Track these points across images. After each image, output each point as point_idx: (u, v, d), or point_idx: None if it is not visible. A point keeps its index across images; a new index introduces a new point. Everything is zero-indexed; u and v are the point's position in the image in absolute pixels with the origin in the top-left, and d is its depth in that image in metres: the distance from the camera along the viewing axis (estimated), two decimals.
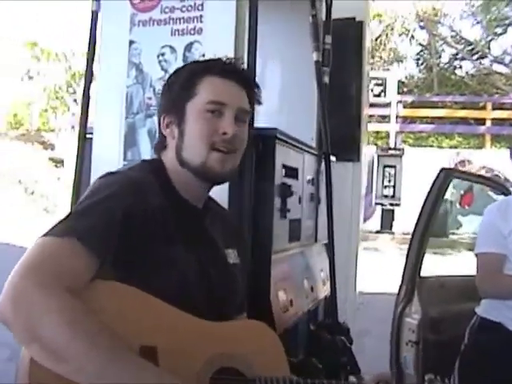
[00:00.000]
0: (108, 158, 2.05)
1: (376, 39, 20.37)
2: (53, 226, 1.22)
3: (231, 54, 1.95)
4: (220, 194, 1.76)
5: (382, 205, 15.01)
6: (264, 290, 2.01)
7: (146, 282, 1.25)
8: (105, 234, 1.22)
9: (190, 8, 1.95)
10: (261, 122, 2.01)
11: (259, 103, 1.53)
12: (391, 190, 15.00)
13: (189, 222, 1.43)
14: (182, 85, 1.44)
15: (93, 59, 2.15)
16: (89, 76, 2.12)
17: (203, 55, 1.95)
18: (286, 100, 3.11)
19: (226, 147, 1.41)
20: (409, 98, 18.72)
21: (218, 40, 1.95)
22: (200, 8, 1.93)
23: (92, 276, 1.20)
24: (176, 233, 1.37)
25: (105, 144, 2.07)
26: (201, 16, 1.95)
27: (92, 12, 2.15)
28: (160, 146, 1.49)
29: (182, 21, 1.96)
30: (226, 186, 1.91)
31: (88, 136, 2.14)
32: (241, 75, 1.49)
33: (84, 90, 2.09)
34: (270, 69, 3.16)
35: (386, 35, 21.45)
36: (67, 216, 1.26)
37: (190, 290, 1.35)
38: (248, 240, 1.86)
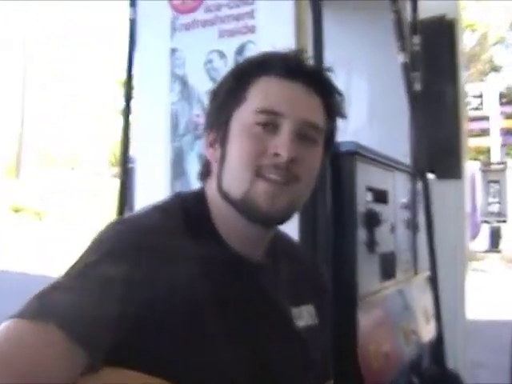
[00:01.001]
0: (153, 191, 1.72)
1: (470, 50, 19.57)
2: (27, 302, 0.87)
3: None
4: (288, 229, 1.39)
5: (488, 222, 14.28)
6: (349, 347, 1.60)
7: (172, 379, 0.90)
8: (97, 318, 0.86)
9: (238, 3, 1.60)
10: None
11: (342, 116, 1.11)
12: (496, 206, 14.37)
13: (238, 286, 1.04)
14: (228, 89, 1.06)
15: (131, 75, 1.82)
16: (128, 95, 1.80)
17: None
18: (371, 112, 2.78)
19: (279, 174, 1.00)
20: (510, 109, 17.73)
21: (275, 38, 1.58)
22: (250, 1, 1.58)
23: (78, 373, 0.84)
24: (216, 309, 0.98)
25: (149, 174, 1.74)
26: (252, 11, 1.60)
27: (130, 21, 1.85)
28: (204, 172, 1.12)
29: (230, 19, 1.62)
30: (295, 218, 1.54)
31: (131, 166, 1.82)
32: (312, 75, 1.07)
33: (124, 113, 1.77)
34: (350, 76, 2.83)
35: (480, 45, 20.56)
36: (46, 290, 0.89)
37: None
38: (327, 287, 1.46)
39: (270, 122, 1.01)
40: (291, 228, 1.54)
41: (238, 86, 1.05)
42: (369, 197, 1.82)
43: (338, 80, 2.55)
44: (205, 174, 1.11)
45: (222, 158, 1.04)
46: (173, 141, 1.72)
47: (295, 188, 1.02)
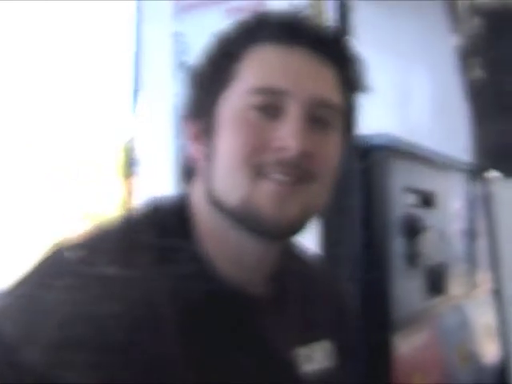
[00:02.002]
0: (157, 190, 1.49)
1: None
2: None
3: None
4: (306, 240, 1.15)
5: None
6: (383, 381, 1.33)
7: None
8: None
9: None
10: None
11: (363, 90, 0.85)
12: None
13: (223, 335, 0.79)
14: (212, 66, 0.82)
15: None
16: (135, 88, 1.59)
17: None
18: (424, 103, 2.48)
19: (287, 173, 0.75)
20: None
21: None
22: None
23: None
24: (192, 367, 0.73)
25: (152, 177, 1.51)
26: None
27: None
28: (187, 173, 0.87)
29: None
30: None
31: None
32: (321, 39, 0.81)
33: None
34: (407, 67, 2.56)
35: None
36: None
37: None
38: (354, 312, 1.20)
39: (270, 105, 0.76)
40: (309, 239, 1.30)
41: (225, 61, 0.80)
42: (409, 199, 1.54)
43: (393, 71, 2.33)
44: (188, 175, 0.85)
45: (211, 155, 0.79)
46: (177, 137, 1.50)
47: (310, 189, 0.77)
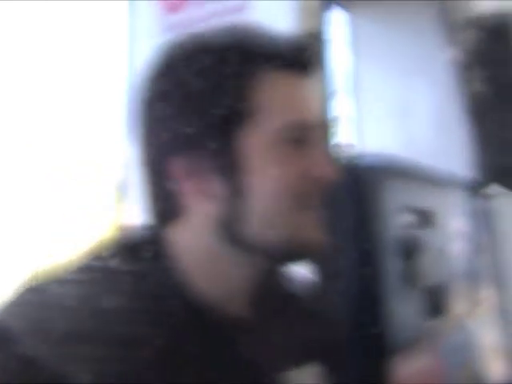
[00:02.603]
0: None
1: None
2: None
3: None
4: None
5: None
6: None
7: None
8: None
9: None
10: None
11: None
12: None
13: (211, 355, 0.76)
14: (215, 93, 0.74)
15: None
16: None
17: None
18: (424, 118, 2.46)
19: (323, 200, 0.80)
20: None
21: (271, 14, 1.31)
22: None
23: None
24: None
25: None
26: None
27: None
28: (164, 211, 0.79)
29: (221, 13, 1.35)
30: None
31: None
32: (309, 61, 0.81)
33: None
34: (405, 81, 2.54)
35: None
36: None
37: None
38: (343, 333, 1.16)
39: (301, 137, 0.76)
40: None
41: (239, 85, 0.74)
42: (406, 219, 1.50)
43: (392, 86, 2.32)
44: (170, 215, 0.78)
45: (239, 194, 0.74)
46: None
47: None
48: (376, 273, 1.35)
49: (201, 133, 0.74)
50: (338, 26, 2.34)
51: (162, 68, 0.78)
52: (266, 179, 0.74)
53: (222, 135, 0.74)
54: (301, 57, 0.78)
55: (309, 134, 0.77)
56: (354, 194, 1.35)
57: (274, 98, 0.75)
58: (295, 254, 0.79)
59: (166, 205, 0.78)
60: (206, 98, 0.73)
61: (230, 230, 0.76)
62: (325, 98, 1.53)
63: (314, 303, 0.99)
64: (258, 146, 0.74)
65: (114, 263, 0.73)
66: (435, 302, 1.67)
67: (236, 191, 0.75)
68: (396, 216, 1.46)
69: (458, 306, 1.91)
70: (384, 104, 2.45)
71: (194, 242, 0.77)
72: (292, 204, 0.75)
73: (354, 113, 2.36)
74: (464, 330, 1.96)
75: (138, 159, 0.80)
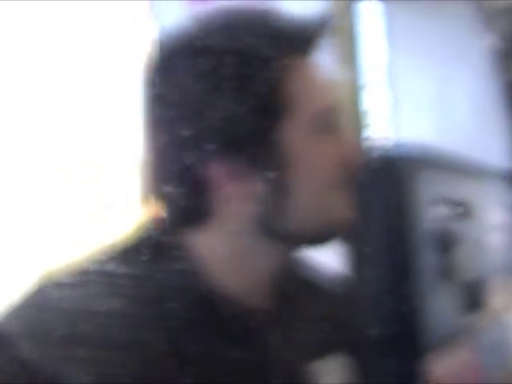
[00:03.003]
0: None
1: None
2: None
3: None
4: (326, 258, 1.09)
5: None
6: None
7: None
8: None
9: None
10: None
11: None
12: None
13: (232, 346, 0.72)
14: (255, 89, 0.68)
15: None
16: None
17: None
18: (462, 109, 2.39)
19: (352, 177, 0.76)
20: None
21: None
22: None
23: None
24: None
25: None
26: None
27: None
28: (192, 216, 0.73)
29: None
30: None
31: None
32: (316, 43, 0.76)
33: None
34: (429, 69, 2.48)
35: None
36: None
37: None
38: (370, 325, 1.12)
39: (334, 122, 0.74)
40: (333, 256, 1.22)
41: (272, 78, 0.69)
42: (443, 211, 1.45)
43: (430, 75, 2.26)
44: (197, 218, 0.72)
45: (282, 190, 0.70)
46: None
47: None
48: (412, 266, 1.31)
49: (240, 134, 0.68)
50: (371, 15, 2.29)
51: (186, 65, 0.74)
52: (310, 170, 0.72)
53: (262, 132, 0.69)
54: (311, 40, 0.74)
55: (338, 118, 0.75)
56: (390, 185, 1.30)
57: (307, 85, 0.72)
58: (324, 235, 0.76)
59: (193, 209, 0.72)
60: (240, 94, 0.68)
61: (270, 227, 0.72)
62: (358, 88, 1.49)
63: (341, 293, 0.95)
64: (297, 137, 0.71)
65: (132, 265, 0.70)
66: (473, 297, 1.62)
67: (280, 187, 0.70)
68: (432, 207, 1.41)
69: (497, 300, 1.85)
70: (421, 94, 2.39)
71: (223, 242, 0.73)
72: (329, 190, 0.73)
73: (390, 103, 2.30)
74: (502, 325, 1.90)
75: (163, 165, 0.76)
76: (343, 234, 0.80)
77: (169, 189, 0.71)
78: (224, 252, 0.73)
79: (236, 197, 0.70)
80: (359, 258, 1.27)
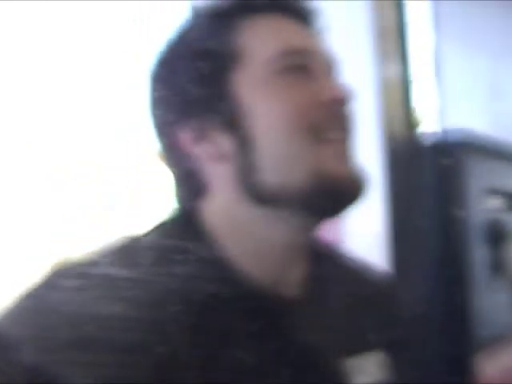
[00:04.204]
0: None
1: None
2: None
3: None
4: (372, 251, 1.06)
5: None
6: None
7: None
8: None
9: None
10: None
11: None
12: None
13: (256, 341, 0.68)
14: (203, 50, 0.70)
15: None
16: None
17: None
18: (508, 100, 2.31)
19: (342, 128, 0.69)
20: None
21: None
22: None
23: None
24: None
25: None
26: None
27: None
28: (193, 189, 0.73)
29: None
30: (377, 234, 1.17)
31: None
32: (302, 10, 0.75)
33: None
34: (479, 60, 2.40)
35: None
36: None
37: None
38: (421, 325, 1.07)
39: (298, 65, 0.69)
40: (377, 251, 1.17)
41: (224, 37, 0.70)
42: (494, 202, 1.37)
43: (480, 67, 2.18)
44: (197, 192, 0.72)
45: (245, 143, 0.68)
46: None
47: (349, 149, 0.70)
48: (462, 260, 1.24)
49: (197, 95, 0.69)
50: (420, 7, 2.23)
51: (169, 41, 0.74)
52: (270, 114, 0.67)
53: (217, 88, 0.68)
54: (276, 3, 0.73)
55: (310, 60, 0.70)
56: (437, 174, 1.24)
57: (262, 33, 0.70)
58: (324, 196, 0.67)
59: (191, 182, 0.72)
60: (197, 58, 0.69)
61: (250, 186, 0.68)
62: (405, 81, 1.43)
63: (384, 287, 0.90)
64: (253, 83, 0.68)
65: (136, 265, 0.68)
66: None
67: (243, 141, 0.68)
68: (482, 199, 1.34)
69: None
70: (471, 86, 2.31)
71: (222, 213, 0.71)
72: (306, 137, 0.66)
73: (442, 95, 2.23)
74: None
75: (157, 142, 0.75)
76: (348, 197, 0.68)
77: (167, 161, 0.74)
78: (226, 221, 0.71)
79: (208, 161, 0.70)
80: (406, 251, 1.21)
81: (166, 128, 0.72)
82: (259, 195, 0.68)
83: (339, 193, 0.67)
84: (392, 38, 1.37)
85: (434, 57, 2.35)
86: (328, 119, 0.67)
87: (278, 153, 0.67)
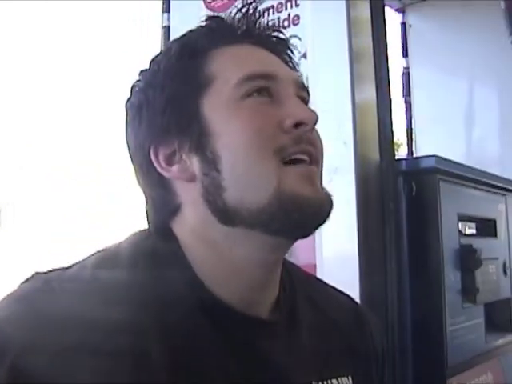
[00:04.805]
0: None
1: None
2: None
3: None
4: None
5: None
6: None
7: None
8: None
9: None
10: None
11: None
12: None
13: (227, 362, 0.69)
14: (175, 78, 0.74)
15: None
16: None
17: (304, 56, 1.26)
18: (485, 127, 2.33)
19: (307, 151, 0.70)
20: None
21: (323, 30, 1.25)
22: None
23: None
24: None
25: None
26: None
27: (163, 28, 1.59)
28: (165, 208, 0.75)
29: (270, 11, 1.30)
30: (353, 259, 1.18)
31: None
32: (272, 38, 0.78)
33: None
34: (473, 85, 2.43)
35: None
36: None
37: None
38: (393, 349, 1.07)
39: (264, 88, 0.71)
40: (350, 271, 1.18)
41: (195, 65, 0.73)
42: (464, 228, 1.39)
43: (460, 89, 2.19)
44: (169, 211, 0.74)
45: (212, 164, 0.70)
46: None
47: (318, 173, 0.72)
48: (435, 286, 1.25)
49: (170, 119, 0.72)
50: (391, 28, 2.26)
51: (144, 69, 0.78)
52: (233, 136, 0.69)
53: (188, 113, 0.72)
54: (243, 31, 0.76)
55: (275, 85, 0.72)
56: (410, 199, 1.25)
57: (228, 61, 0.74)
58: (287, 216, 0.67)
59: (163, 202, 0.75)
60: (176, 84, 0.73)
61: (215, 205, 0.70)
62: (382, 105, 1.44)
63: (353, 315, 0.90)
64: (220, 107, 0.71)
65: (125, 271, 0.68)
66: (498, 319, 1.56)
67: (210, 161, 0.70)
68: (455, 224, 1.35)
69: None
70: (443, 109, 2.34)
71: (193, 232, 0.72)
72: (268, 158, 0.68)
73: (411, 118, 2.26)
74: None
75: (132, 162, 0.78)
76: (312, 217, 0.69)
77: (141, 183, 0.77)
78: (196, 240, 0.72)
79: (179, 180, 0.72)
80: (378, 275, 1.22)
81: (141, 151, 0.74)
82: (224, 214, 0.69)
83: (302, 212, 0.68)
84: (368, 60, 1.38)
85: (406, 82, 2.39)
86: (292, 142, 0.68)
87: (240, 173, 0.68)
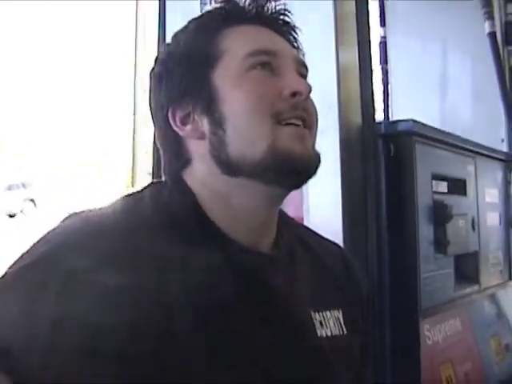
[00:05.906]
0: None
1: None
2: None
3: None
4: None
5: None
6: (410, 370, 1.31)
7: None
8: (23, 337, 0.68)
9: None
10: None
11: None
12: None
13: (239, 287, 0.81)
14: (192, 52, 0.87)
15: None
16: None
17: None
18: (458, 94, 2.44)
19: (301, 117, 0.83)
20: None
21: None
22: None
23: None
24: (207, 320, 0.77)
25: None
26: None
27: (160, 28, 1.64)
28: (178, 162, 0.89)
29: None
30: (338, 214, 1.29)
31: None
32: (278, 20, 0.92)
33: None
34: (445, 55, 2.51)
35: None
36: None
37: None
38: (372, 292, 1.19)
39: (267, 63, 0.84)
40: (334, 225, 1.29)
41: (209, 41, 0.86)
42: (437, 187, 1.51)
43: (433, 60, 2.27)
44: (181, 164, 0.88)
45: (217, 124, 0.83)
46: None
47: (313, 138, 0.86)
48: (410, 238, 1.37)
49: (186, 87, 0.86)
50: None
51: (167, 44, 0.92)
52: (242, 104, 0.82)
53: (201, 81, 0.85)
54: (256, 14, 0.88)
55: (276, 60, 0.85)
56: (389, 160, 1.36)
57: (237, 38, 0.86)
58: (280, 165, 0.81)
59: (176, 156, 0.88)
60: (190, 57, 0.86)
61: (220, 159, 0.83)
62: (363, 69, 1.51)
63: (335, 259, 1.02)
64: (228, 77, 0.84)
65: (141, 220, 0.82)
66: (466, 271, 1.69)
67: (217, 122, 0.83)
68: (428, 182, 1.47)
69: (490, 276, 1.91)
70: (419, 76, 2.44)
71: (202, 183, 0.86)
72: (268, 120, 0.81)
73: (388, 84, 2.36)
74: (495, 301, 1.96)
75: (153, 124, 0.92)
76: (301, 170, 0.83)
77: (159, 140, 0.90)
78: (205, 189, 0.85)
79: (191, 138, 0.86)
80: (360, 230, 1.33)
81: (160, 113, 0.88)
82: (227, 166, 0.82)
83: (293, 166, 0.81)
84: (351, 24, 1.45)
85: (383, 50, 2.48)
86: (288, 108, 0.81)
87: (241, 131, 0.82)
